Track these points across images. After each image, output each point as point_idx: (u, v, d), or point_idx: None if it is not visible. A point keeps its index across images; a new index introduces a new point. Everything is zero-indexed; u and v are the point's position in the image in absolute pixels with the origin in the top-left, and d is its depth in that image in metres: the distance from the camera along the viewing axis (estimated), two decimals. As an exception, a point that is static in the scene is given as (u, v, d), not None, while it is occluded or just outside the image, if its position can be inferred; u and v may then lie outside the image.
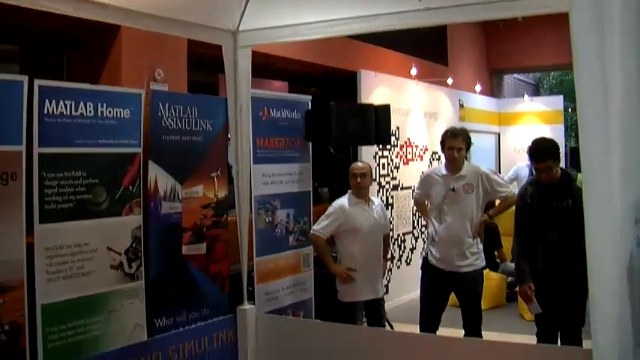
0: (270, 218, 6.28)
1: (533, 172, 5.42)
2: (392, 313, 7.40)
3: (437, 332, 5.74)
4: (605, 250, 1.15)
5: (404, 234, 9.19)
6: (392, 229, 8.60)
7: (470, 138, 5.82)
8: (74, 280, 4.63)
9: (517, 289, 8.36)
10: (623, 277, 1.08)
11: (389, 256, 8.31)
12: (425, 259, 5.93)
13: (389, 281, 8.61)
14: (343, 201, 5.78)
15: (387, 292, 8.48)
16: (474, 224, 5.63)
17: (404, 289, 8.80)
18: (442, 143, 5.78)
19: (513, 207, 5.58)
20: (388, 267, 8.54)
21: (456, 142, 5.64)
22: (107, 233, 4.87)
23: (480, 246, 5.76)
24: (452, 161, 5.69)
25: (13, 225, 4.23)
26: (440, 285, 5.74)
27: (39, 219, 4.41)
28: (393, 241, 8.70)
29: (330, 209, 5.80)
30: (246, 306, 5.82)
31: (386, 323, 6.38)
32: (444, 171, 5.79)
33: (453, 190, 5.62)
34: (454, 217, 5.63)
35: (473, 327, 5.67)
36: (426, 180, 5.99)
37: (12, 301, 4.22)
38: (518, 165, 11.38)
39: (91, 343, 4.73)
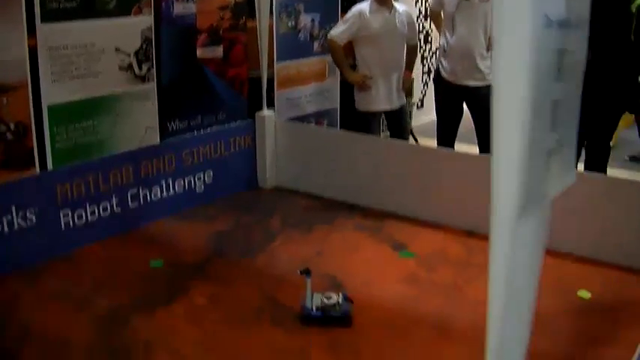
0: (293, 23, 6.04)
1: None
2: (424, 127, 7.29)
3: (454, 146, 5.61)
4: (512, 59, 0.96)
5: (442, 46, 8.85)
6: (429, 42, 8.26)
7: None
8: (81, 81, 4.58)
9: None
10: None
11: (421, 69, 8.07)
12: (437, 72, 5.70)
13: (424, 95, 8.39)
14: (363, 6, 5.46)
15: (422, 106, 8.32)
16: (489, 36, 5.29)
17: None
18: None
19: None
20: (424, 81, 8.30)
21: None
22: (115, 34, 4.74)
23: None
24: None
25: (10, 24, 4.11)
26: (452, 99, 5.54)
27: (40, 18, 4.28)
28: (430, 54, 8.38)
29: (349, 14, 5.50)
30: (266, 112, 5.74)
31: (410, 136, 6.27)
32: None
33: None
34: (467, 28, 5.29)
35: (485, 143, 5.52)
36: None
37: (16, 102, 4.22)
38: None
39: (100, 145, 4.77)
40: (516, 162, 0.95)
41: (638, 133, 7.05)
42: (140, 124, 5.00)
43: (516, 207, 0.97)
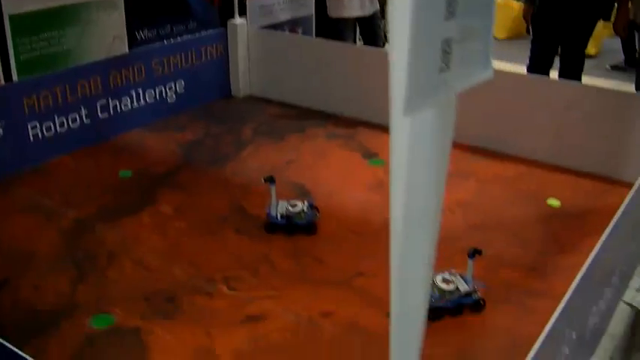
0: None
1: None
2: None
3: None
4: None
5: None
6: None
7: None
8: (43, -11, 4.46)
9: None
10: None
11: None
12: None
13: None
14: None
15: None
16: None
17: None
18: None
19: None
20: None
21: None
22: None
23: None
24: None
25: None
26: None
27: None
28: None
29: None
30: (238, 20, 5.62)
31: (387, 43, 6.14)
32: None
33: None
34: None
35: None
36: None
37: (-25, 11, 4.12)
38: None
39: (66, 56, 4.68)
40: (404, 52, 0.92)
41: (620, 42, 6.97)
42: (107, 33, 4.89)
43: (407, 98, 0.94)
